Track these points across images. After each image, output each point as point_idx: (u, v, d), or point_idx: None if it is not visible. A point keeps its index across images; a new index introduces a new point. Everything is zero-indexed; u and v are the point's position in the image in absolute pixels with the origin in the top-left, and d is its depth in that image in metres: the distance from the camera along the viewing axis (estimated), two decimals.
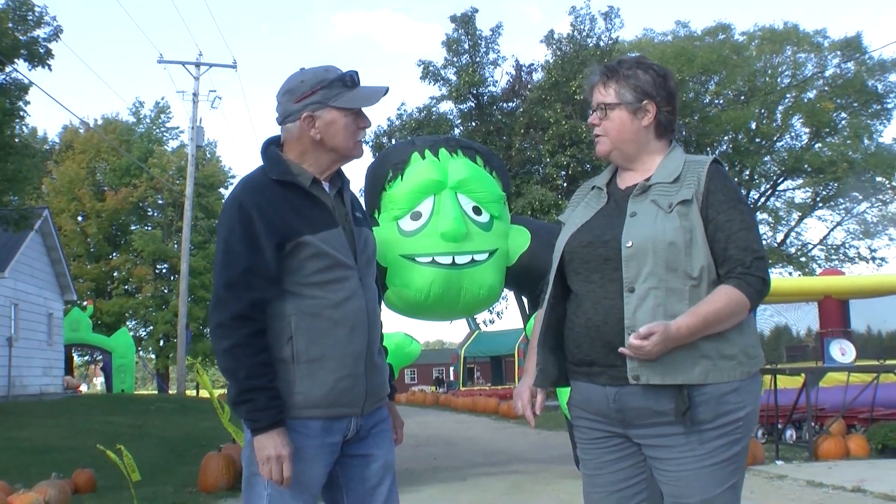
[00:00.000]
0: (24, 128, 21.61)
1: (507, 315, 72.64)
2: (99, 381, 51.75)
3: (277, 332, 2.87)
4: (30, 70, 18.22)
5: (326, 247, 2.90)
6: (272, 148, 3.06)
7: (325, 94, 2.95)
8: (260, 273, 2.84)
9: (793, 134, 38.30)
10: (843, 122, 36.89)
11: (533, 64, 30.40)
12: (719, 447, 2.73)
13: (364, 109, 3.03)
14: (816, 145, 37.29)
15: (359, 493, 3.06)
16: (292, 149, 3.01)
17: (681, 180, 2.83)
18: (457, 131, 29.21)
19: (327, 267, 2.91)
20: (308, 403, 2.88)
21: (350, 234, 3.01)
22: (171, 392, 38.73)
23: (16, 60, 17.74)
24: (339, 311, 2.91)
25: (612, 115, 2.91)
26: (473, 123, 29.53)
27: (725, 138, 36.93)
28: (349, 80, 2.98)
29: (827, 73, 36.45)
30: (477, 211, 8.69)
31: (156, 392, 44.59)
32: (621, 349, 2.68)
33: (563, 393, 8.23)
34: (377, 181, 8.96)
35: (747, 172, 37.87)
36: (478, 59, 29.36)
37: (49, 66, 18.09)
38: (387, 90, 3.02)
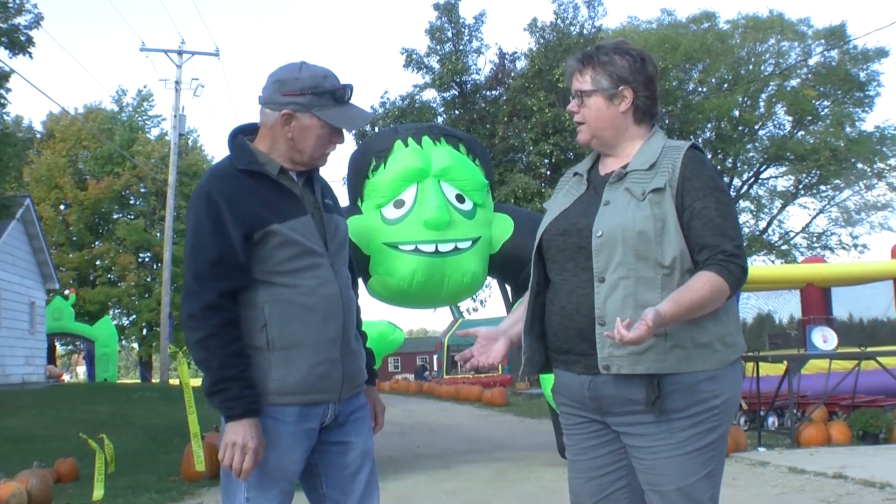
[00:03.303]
0: (4, 116, 21.48)
1: (490, 303, 72.74)
2: (81, 370, 51.60)
3: (251, 320, 2.88)
4: (10, 58, 18.14)
5: (295, 235, 2.90)
6: (239, 137, 3.06)
7: (313, 99, 2.93)
8: (228, 263, 2.84)
9: (776, 122, 38.55)
10: (825, 110, 37.08)
11: (516, 52, 30.50)
12: (693, 436, 2.71)
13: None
14: (799, 133, 37.47)
15: (338, 481, 3.06)
16: (265, 134, 3.01)
17: (656, 167, 2.79)
18: (440, 119, 29.21)
19: (297, 255, 2.91)
20: (284, 390, 2.88)
21: (320, 221, 3.02)
22: (154, 381, 38.67)
23: None
24: (312, 297, 2.91)
25: (589, 102, 2.88)
26: (457, 111, 29.52)
27: (708, 126, 37.05)
28: (340, 96, 2.97)
29: (810, 62, 36.59)
30: (460, 199, 8.68)
31: (139, 381, 44.47)
32: (607, 333, 2.60)
33: (547, 381, 8.24)
34: (360, 169, 8.94)
35: (730, 160, 38.02)
36: (461, 48, 29.36)
37: (30, 53, 18.01)
38: (372, 116, 3.05)
